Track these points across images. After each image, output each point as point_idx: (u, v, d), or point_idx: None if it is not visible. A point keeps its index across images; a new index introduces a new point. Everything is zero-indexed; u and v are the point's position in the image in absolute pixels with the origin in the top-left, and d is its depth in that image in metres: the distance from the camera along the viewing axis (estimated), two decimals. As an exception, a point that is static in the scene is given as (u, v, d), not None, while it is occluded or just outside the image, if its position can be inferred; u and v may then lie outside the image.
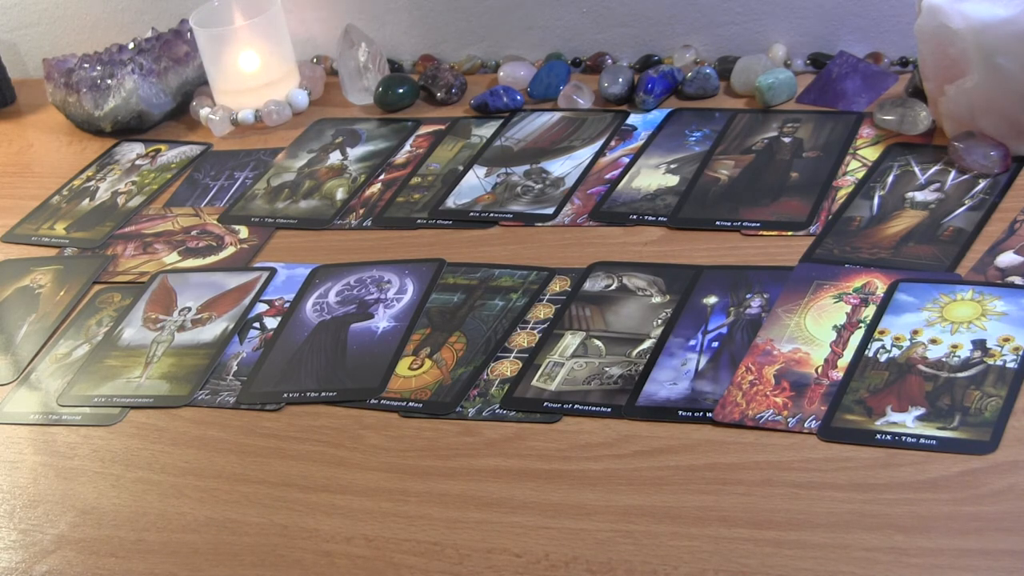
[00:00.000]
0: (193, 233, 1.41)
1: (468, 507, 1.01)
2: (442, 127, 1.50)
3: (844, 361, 1.06)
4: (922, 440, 0.98)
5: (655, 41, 1.54)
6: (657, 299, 1.17)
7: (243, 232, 1.40)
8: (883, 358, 1.05)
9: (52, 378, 1.24)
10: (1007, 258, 1.13)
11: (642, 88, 1.44)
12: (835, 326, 1.09)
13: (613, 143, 1.40)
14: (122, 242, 1.41)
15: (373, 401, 1.13)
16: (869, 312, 1.10)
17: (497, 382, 1.12)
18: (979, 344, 1.04)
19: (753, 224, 1.24)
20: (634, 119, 1.43)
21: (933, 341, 1.05)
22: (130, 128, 1.61)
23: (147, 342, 1.25)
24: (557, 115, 1.47)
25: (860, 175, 1.27)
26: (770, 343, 1.09)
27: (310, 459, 1.09)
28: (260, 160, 1.51)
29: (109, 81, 1.58)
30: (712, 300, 1.15)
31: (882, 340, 1.07)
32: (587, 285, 1.20)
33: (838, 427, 1.01)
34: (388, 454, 1.08)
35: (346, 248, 1.34)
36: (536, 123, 1.47)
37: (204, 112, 1.58)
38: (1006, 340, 1.04)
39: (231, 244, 1.38)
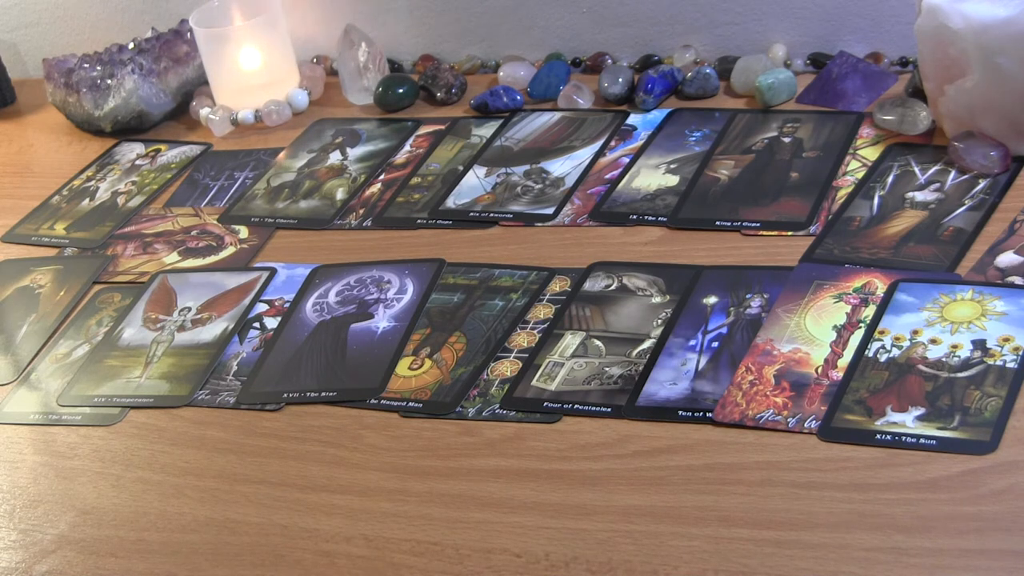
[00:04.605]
0: (193, 233, 1.41)
1: (468, 507, 1.01)
2: (442, 127, 1.50)
3: (844, 361, 1.06)
4: (922, 440, 0.98)
5: (655, 41, 1.54)
6: (657, 299, 1.17)
7: (243, 232, 1.40)
8: (883, 358, 1.05)
9: (52, 378, 1.24)
10: (1007, 258, 1.13)
11: (642, 88, 1.44)
12: (835, 326, 1.09)
13: (613, 143, 1.40)
14: (122, 242, 1.41)
15: (373, 401, 1.13)
16: (869, 312, 1.10)
17: (497, 382, 1.12)
18: (979, 344, 1.04)
19: (753, 224, 1.24)
20: (634, 119, 1.43)
21: (933, 341, 1.05)
22: (130, 128, 1.61)
23: (147, 342, 1.25)
24: (557, 115, 1.47)
25: (860, 175, 1.27)
26: (770, 343, 1.09)
27: (310, 459, 1.09)
28: (260, 160, 1.51)
29: (109, 81, 1.58)
30: (712, 300, 1.15)
31: (882, 340, 1.07)
32: (587, 285, 1.20)
33: (838, 427, 1.00)
34: (388, 454, 1.08)
35: (346, 248, 1.33)
36: (536, 123, 1.47)
37: (204, 112, 1.58)
38: (1006, 340, 1.04)
39: (231, 244, 1.38)
